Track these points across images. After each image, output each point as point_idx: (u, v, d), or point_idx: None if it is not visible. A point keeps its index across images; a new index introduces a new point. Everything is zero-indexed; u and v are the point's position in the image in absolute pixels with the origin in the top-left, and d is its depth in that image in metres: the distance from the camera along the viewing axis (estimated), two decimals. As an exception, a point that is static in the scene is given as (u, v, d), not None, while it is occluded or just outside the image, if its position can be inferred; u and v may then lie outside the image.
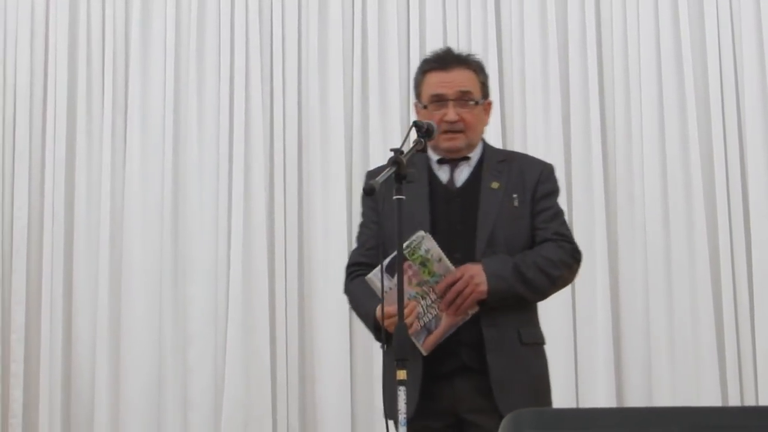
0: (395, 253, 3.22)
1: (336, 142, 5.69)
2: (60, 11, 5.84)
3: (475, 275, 3.40)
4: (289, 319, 5.59)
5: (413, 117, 3.75)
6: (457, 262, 3.46)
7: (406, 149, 3.24)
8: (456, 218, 3.55)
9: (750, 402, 5.36)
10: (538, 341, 3.62)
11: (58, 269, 5.66)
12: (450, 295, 3.39)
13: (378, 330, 3.42)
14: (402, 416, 2.94)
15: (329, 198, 5.64)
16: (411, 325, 3.31)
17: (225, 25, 5.81)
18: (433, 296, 3.41)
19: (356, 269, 3.64)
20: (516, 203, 3.56)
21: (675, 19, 5.69)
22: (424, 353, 3.41)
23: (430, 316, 3.41)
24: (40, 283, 5.66)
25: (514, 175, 3.62)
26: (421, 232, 3.38)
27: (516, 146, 5.59)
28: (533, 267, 3.50)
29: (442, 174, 3.64)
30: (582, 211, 5.55)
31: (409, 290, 3.36)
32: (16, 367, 5.61)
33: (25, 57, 5.83)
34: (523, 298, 3.53)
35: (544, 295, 3.63)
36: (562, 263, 3.58)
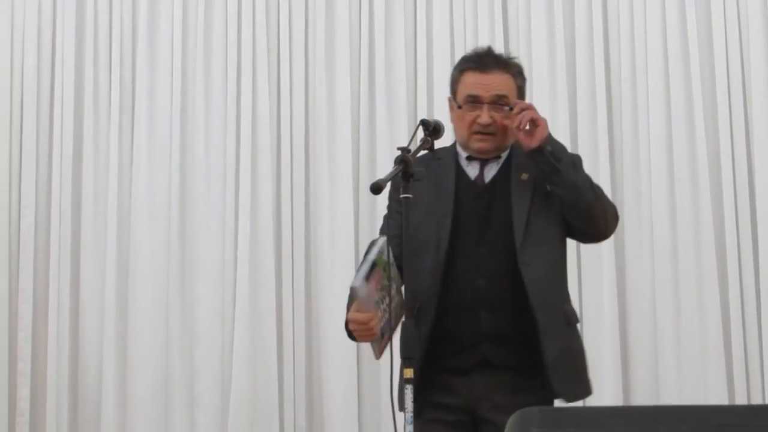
0: (371, 258, 3.21)
1: (343, 142, 5.69)
2: (67, 11, 5.84)
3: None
4: (296, 319, 5.59)
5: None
6: (482, 256, 3.47)
7: (412, 148, 3.24)
8: (483, 212, 3.53)
9: (757, 400, 5.37)
10: (575, 321, 3.61)
11: (65, 268, 5.67)
12: (524, 108, 3.44)
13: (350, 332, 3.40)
14: (409, 414, 2.94)
15: (336, 198, 5.64)
16: (374, 334, 3.26)
17: (232, 24, 5.82)
18: (387, 300, 3.30)
19: None
20: (549, 188, 3.52)
21: (682, 16, 5.69)
22: (378, 358, 3.33)
23: (384, 321, 3.30)
24: (47, 282, 5.66)
25: None
26: (383, 238, 3.30)
27: (523, 145, 5.60)
28: (588, 179, 3.54)
29: (471, 170, 3.60)
30: (589, 209, 5.55)
31: (375, 296, 3.29)
32: (23, 366, 5.61)
33: (32, 56, 5.83)
34: (567, 174, 3.48)
35: (582, 196, 3.51)
36: (606, 197, 3.60)
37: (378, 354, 3.34)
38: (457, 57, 5.65)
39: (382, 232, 3.69)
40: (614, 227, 3.66)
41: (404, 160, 3.12)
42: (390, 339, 3.33)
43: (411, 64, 5.73)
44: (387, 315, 3.31)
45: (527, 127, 3.47)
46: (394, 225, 3.56)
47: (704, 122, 5.58)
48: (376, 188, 3.06)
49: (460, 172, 3.60)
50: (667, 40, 5.68)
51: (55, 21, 5.87)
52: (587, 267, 5.54)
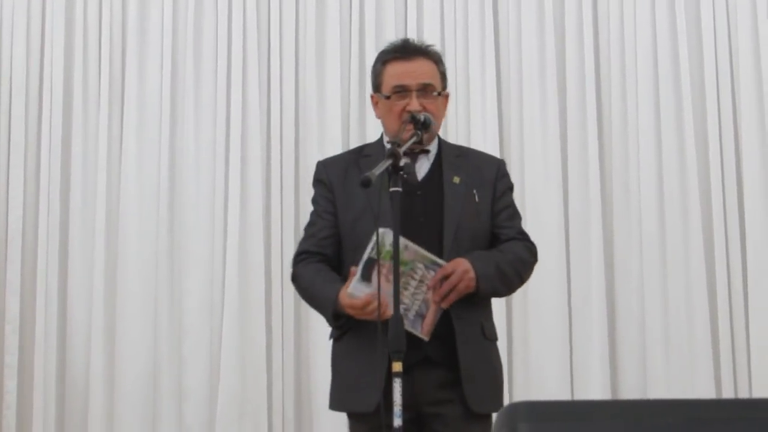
0: (365, 257, 3.25)
1: (333, 134, 5.69)
2: (56, 2, 5.83)
3: (468, 270, 3.40)
4: (285, 311, 5.60)
5: (372, 109, 3.72)
6: None
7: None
8: (419, 211, 3.52)
9: (743, 394, 5.39)
10: (495, 337, 3.63)
11: (54, 260, 5.66)
12: (445, 288, 3.38)
13: (336, 317, 3.43)
14: (397, 408, 2.94)
15: (325, 190, 5.64)
16: (373, 311, 3.27)
17: (222, 17, 5.82)
18: (413, 284, 3.37)
19: (305, 257, 3.60)
20: (477, 198, 3.57)
21: (671, 12, 5.70)
22: (426, 338, 3.38)
23: (419, 302, 3.38)
24: (35, 273, 5.66)
25: (472, 170, 3.62)
26: (381, 230, 3.28)
27: (513, 140, 5.62)
28: (511, 268, 3.53)
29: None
30: (578, 203, 5.56)
31: (389, 287, 3.27)
32: (11, 358, 5.61)
33: (22, 47, 5.82)
34: (499, 295, 3.61)
35: (510, 293, 3.72)
36: (529, 264, 3.62)
37: (425, 336, 3.37)
38: (448, 52, 5.70)
39: (310, 229, 3.67)
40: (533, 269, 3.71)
41: (394, 153, 3.12)
42: (434, 318, 3.38)
43: (401, 58, 5.73)
44: (422, 295, 3.37)
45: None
46: (325, 225, 3.60)
47: (693, 116, 5.60)
48: (366, 182, 3.06)
49: None
50: (656, 36, 5.70)
51: (45, 12, 5.86)
52: (575, 261, 5.55)
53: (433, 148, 3.63)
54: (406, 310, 3.36)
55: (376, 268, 3.19)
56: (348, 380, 3.55)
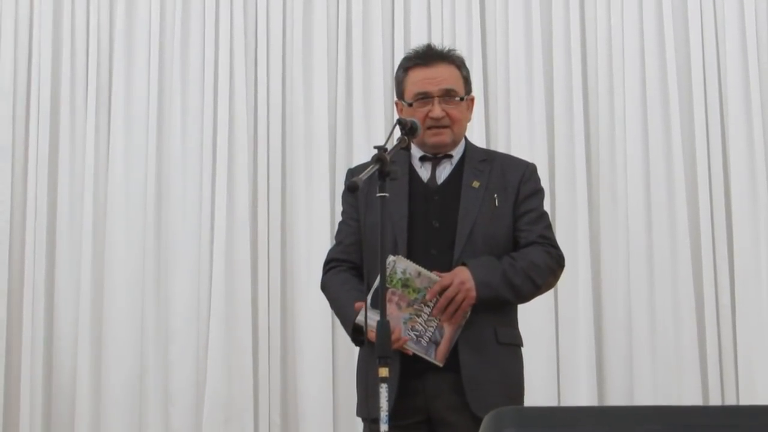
0: (376, 284, 3.25)
1: (320, 138, 5.69)
2: (44, 8, 5.82)
3: (465, 281, 3.40)
4: (271, 314, 5.59)
5: (397, 115, 3.74)
6: (432, 258, 3.48)
7: (389, 147, 3.25)
8: (434, 215, 3.55)
9: (731, 400, 5.39)
10: (516, 342, 3.60)
11: (41, 265, 5.64)
12: (442, 302, 3.40)
13: (355, 332, 3.46)
14: (384, 414, 2.94)
15: (312, 194, 5.64)
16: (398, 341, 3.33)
17: (209, 20, 5.81)
18: (427, 311, 3.42)
19: (334, 265, 3.67)
20: (497, 203, 3.56)
21: (659, 18, 5.70)
22: (440, 365, 3.42)
23: (432, 329, 3.42)
24: (22, 278, 5.64)
25: (495, 175, 3.62)
26: (391, 257, 3.37)
27: (500, 144, 5.61)
28: (521, 273, 3.50)
29: (424, 172, 3.64)
30: (565, 209, 5.56)
31: (403, 314, 3.39)
32: (-3, 362, 5.60)
33: (9, 51, 5.80)
34: (507, 302, 3.55)
35: (527, 300, 3.64)
36: (548, 269, 3.58)
37: (439, 362, 3.42)
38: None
39: (337, 237, 3.76)
40: (559, 277, 3.70)
41: (381, 158, 3.12)
42: (449, 343, 3.43)
43: (388, 62, 5.73)
44: (435, 322, 3.42)
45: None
46: (350, 232, 3.65)
47: (680, 123, 5.60)
48: (353, 187, 3.07)
49: (413, 173, 3.63)
50: (644, 42, 5.70)
51: (32, 18, 5.84)
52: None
53: (457, 153, 3.65)
54: (418, 336, 3.42)
55: (386, 295, 3.18)
56: (361, 388, 3.58)
